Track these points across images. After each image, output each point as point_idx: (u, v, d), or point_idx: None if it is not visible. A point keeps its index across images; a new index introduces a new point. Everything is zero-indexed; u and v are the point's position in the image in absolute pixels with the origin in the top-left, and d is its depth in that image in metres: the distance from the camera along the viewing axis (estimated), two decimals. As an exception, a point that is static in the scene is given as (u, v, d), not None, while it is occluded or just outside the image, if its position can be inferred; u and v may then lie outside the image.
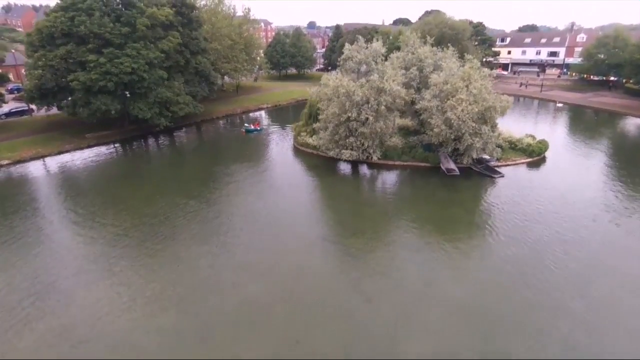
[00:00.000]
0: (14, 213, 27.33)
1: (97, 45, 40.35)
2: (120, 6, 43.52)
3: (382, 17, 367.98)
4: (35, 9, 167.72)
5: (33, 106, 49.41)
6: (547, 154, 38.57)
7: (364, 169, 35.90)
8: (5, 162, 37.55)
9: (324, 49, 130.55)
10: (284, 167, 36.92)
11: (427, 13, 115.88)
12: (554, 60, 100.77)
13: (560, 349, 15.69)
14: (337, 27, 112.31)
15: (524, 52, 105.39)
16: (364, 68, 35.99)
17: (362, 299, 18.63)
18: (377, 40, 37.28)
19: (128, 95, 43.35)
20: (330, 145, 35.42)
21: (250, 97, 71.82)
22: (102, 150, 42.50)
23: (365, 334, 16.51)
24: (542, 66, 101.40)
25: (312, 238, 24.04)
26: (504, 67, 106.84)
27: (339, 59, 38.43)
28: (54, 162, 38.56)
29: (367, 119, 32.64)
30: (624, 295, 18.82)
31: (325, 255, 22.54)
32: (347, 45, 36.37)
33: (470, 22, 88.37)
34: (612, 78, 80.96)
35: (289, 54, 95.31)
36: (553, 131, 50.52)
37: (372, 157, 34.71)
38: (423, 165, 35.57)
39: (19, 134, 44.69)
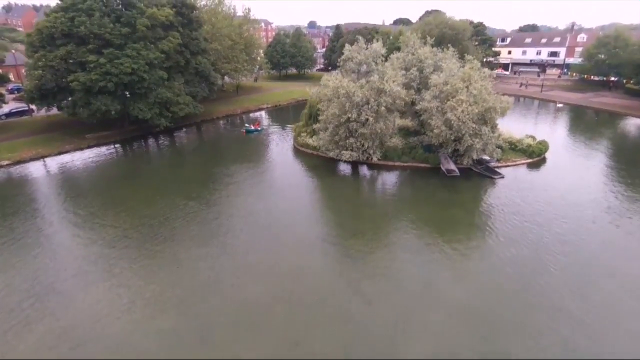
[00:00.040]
0: (14, 214, 27.34)
1: (97, 45, 40.36)
2: (120, 7, 43.52)
3: (382, 17, 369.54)
4: (35, 8, 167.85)
5: (33, 106, 49.45)
6: (547, 154, 38.54)
7: (364, 170, 35.89)
8: (6, 162, 37.58)
9: (324, 49, 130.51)
10: (284, 168, 36.91)
11: (428, 13, 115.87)
12: (554, 61, 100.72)
13: (560, 351, 15.68)
14: (338, 27, 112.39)
15: (524, 52, 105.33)
16: (364, 68, 35.98)
17: (362, 300, 18.62)
18: (377, 40, 37.26)
19: (128, 95, 43.36)
20: (330, 146, 35.40)
21: (250, 97, 71.82)
22: (102, 150, 42.52)
23: (365, 336, 16.50)
24: (542, 66, 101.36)
25: (312, 239, 24.04)
26: (505, 67, 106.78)
27: (339, 60, 38.40)
28: (54, 163, 38.57)
29: (367, 119, 32.62)
30: (624, 296, 18.80)
31: (325, 256, 22.52)
32: (347, 46, 36.33)
33: (471, 22, 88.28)
34: (612, 78, 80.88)
35: (289, 54, 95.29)
36: (553, 132, 50.49)
37: (372, 158, 34.70)
38: (423, 166, 35.55)
39: (19, 135, 44.72)
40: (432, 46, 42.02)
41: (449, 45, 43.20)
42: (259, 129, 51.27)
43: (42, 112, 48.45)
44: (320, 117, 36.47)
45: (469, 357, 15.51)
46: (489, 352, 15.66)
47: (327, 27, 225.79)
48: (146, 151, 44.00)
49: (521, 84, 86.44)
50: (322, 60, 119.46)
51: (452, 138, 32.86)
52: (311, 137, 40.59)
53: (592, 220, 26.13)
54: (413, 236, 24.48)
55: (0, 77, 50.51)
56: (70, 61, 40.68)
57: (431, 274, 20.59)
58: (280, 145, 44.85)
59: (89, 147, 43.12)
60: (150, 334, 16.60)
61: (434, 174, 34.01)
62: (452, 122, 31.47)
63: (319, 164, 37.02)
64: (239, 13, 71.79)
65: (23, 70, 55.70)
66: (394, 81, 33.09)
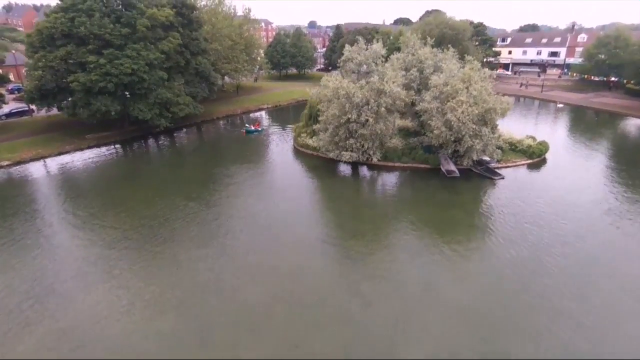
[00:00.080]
0: (14, 215, 27.34)
1: (97, 46, 40.35)
2: (120, 7, 43.50)
3: (382, 16, 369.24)
4: (36, 8, 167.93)
5: (33, 107, 49.47)
6: (547, 155, 38.51)
7: (364, 171, 35.87)
8: (6, 163, 37.59)
9: (324, 49, 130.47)
10: (284, 169, 36.90)
11: (428, 13, 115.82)
12: (554, 61, 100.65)
13: (560, 353, 15.66)
14: (338, 27, 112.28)
15: (524, 52, 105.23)
16: (364, 69, 35.94)
17: (361, 302, 18.60)
18: (378, 41, 37.22)
19: (128, 96, 43.35)
20: (330, 147, 35.38)
21: (250, 98, 71.80)
22: (102, 151, 42.53)
23: (365, 337, 16.49)
24: (542, 66, 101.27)
25: (311, 240, 24.03)
26: (505, 67, 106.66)
27: (339, 61, 38.38)
28: (54, 163, 38.56)
29: (367, 120, 32.59)
30: (624, 298, 18.77)
31: (324, 257, 22.50)
32: (347, 46, 36.29)
33: (471, 23, 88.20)
34: (612, 78, 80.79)
35: (290, 54, 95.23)
36: (554, 132, 50.45)
37: (372, 159, 34.68)
38: (423, 167, 35.53)
39: (19, 135, 44.73)
40: (432, 47, 41.98)
41: (449, 45, 43.16)
42: (259, 129, 51.25)
43: (42, 112, 48.50)
44: (320, 118, 36.45)
45: (469, 357, 15.52)
46: (488, 353, 15.65)
47: (327, 27, 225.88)
48: (146, 152, 44.00)
49: (521, 84, 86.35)
50: (322, 60, 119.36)
51: (452, 139, 32.83)
52: (311, 137, 40.58)
53: (592, 221, 26.10)
54: (413, 237, 24.47)
55: (1, 78, 50.45)
56: (70, 62, 40.68)
57: (431, 275, 20.57)
58: (280, 145, 44.83)
59: (89, 147, 43.12)
60: (150, 336, 16.59)
61: (434, 174, 33.99)
62: (452, 123, 31.44)
63: (319, 165, 37.00)
64: (239, 13, 71.87)
65: (23, 70, 55.74)
66: (394, 82, 33.06)
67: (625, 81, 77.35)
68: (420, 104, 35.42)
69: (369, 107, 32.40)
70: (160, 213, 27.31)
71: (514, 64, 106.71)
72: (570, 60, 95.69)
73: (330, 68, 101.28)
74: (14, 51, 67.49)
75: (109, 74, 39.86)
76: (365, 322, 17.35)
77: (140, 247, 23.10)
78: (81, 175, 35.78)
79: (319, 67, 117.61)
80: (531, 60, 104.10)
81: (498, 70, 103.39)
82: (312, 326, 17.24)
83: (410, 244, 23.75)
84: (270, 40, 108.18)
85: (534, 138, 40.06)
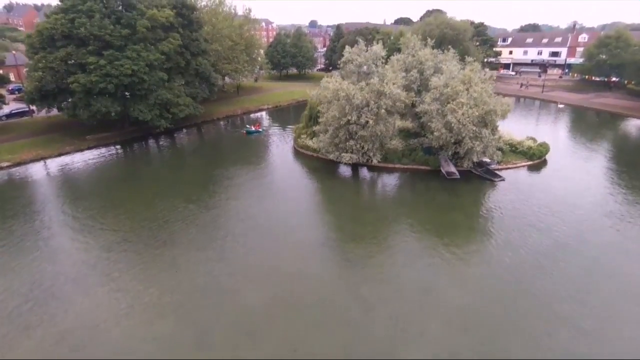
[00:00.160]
0: (13, 217, 27.34)
1: (97, 47, 40.33)
2: (120, 8, 43.46)
3: (383, 16, 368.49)
4: (36, 8, 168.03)
5: (33, 107, 49.48)
6: (548, 156, 38.44)
7: (364, 172, 35.81)
8: (6, 164, 37.57)
9: (325, 49, 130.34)
10: (284, 170, 36.85)
11: (429, 12, 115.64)
12: (555, 61, 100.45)
13: (560, 356, 15.63)
14: (338, 27, 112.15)
15: (525, 52, 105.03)
16: (364, 69, 35.84)
17: (361, 305, 18.58)
18: (378, 42, 37.16)
19: (128, 96, 43.32)
20: (330, 148, 35.34)
21: (250, 98, 71.75)
22: (103, 152, 42.51)
23: (365, 341, 16.47)
24: (543, 66, 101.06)
25: (311, 243, 24.00)
26: (506, 67, 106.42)
27: (339, 62, 38.32)
28: (54, 164, 38.56)
29: (367, 122, 32.54)
30: (624, 302, 18.72)
31: (324, 261, 22.47)
32: (347, 48, 36.20)
33: (472, 23, 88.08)
34: (613, 79, 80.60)
35: (290, 54, 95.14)
36: (554, 133, 50.32)
37: (372, 160, 34.64)
38: (423, 169, 35.48)
39: (19, 136, 44.74)
40: (433, 48, 41.90)
41: (450, 47, 43.12)
42: (260, 130, 51.21)
43: (43, 113, 48.49)
44: (320, 119, 36.41)
45: (469, 356, 15.53)
46: (488, 356, 15.63)
47: (328, 26, 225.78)
48: (146, 152, 44.00)
49: (521, 85, 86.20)
50: (322, 60, 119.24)
51: (452, 141, 32.81)
52: (311, 138, 40.54)
53: (593, 223, 26.05)
54: (413, 240, 24.44)
55: (1, 78, 50.44)
56: (71, 63, 40.71)
57: (431, 278, 20.53)
58: (280, 146, 44.79)
59: (89, 148, 43.11)
60: (149, 340, 16.58)
61: (434, 176, 33.93)
62: (453, 124, 31.40)
63: (319, 166, 36.97)
64: (240, 13, 71.76)
65: (24, 71, 55.71)
66: (394, 83, 33.01)
67: (626, 81, 77.19)
68: (421, 105, 35.37)
69: (369, 109, 32.36)
70: (160, 215, 27.30)
71: (515, 64, 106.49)
72: (572, 61, 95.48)
73: (330, 68, 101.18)
74: (14, 52, 67.44)
75: (109, 75, 39.84)
76: (365, 325, 17.33)
77: (139, 250, 23.09)
78: (81, 177, 35.79)
79: (319, 67, 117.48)
80: (532, 61, 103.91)
81: (501, 71, 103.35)
82: (312, 329, 17.23)
83: (410, 246, 23.71)
84: (271, 40, 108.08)
85: (534, 139, 40.01)
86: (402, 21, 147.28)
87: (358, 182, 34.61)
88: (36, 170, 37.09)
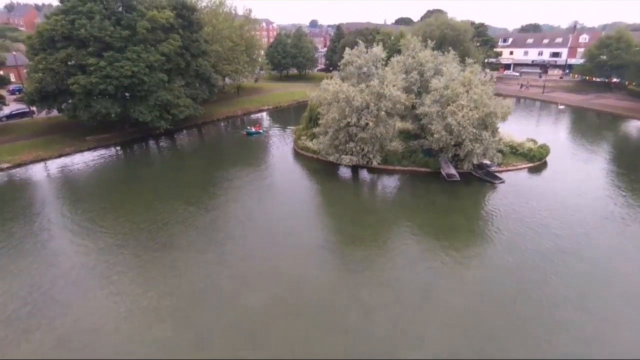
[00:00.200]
0: (13, 218, 27.33)
1: (97, 48, 40.32)
2: (120, 9, 43.45)
3: (384, 16, 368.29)
4: (37, 8, 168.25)
5: (33, 108, 49.46)
6: (548, 158, 38.37)
7: (364, 174, 35.78)
8: (6, 165, 37.58)
9: (325, 49, 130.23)
10: (284, 172, 36.80)
11: (429, 13, 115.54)
12: (556, 61, 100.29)
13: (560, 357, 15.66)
14: (339, 27, 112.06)
15: (526, 53, 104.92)
16: (364, 71, 35.77)
17: (361, 309, 18.54)
18: (378, 43, 37.12)
19: (128, 97, 43.29)
20: (330, 150, 35.30)
21: (251, 99, 71.72)
22: (103, 153, 42.51)
23: (364, 345, 16.45)
24: (544, 67, 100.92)
25: (311, 246, 23.96)
26: (507, 67, 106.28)
27: (339, 64, 38.29)
28: (54, 166, 38.56)
29: (367, 124, 32.50)
30: (624, 306, 18.68)
31: (323, 264, 22.44)
32: (347, 49, 36.15)
33: (472, 23, 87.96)
34: (614, 80, 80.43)
35: (290, 55, 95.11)
36: (555, 134, 50.25)
37: (372, 162, 34.58)
38: (423, 171, 35.42)
39: (19, 137, 44.75)
40: (433, 49, 41.85)
41: (450, 48, 43.05)
42: (260, 131, 51.17)
43: (43, 114, 48.48)
44: (320, 121, 36.37)
45: (469, 356, 15.53)
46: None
47: (328, 26, 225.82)
48: (146, 154, 43.99)
49: (522, 85, 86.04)
50: (323, 61, 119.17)
51: (453, 143, 32.74)
52: (311, 140, 40.51)
53: (593, 226, 26.00)
54: (413, 243, 24.40)
55: (1, 79, 50.40)
56: (71, 64, 40.74)
57: (430, 283, 20.48)
58: (280, 148, 44.76)
59: (89, 149, 43.10)
60: (147, 344, 16.56)
61: (434, 178, 33.88)
62: (453, 127, 31.34)
63: (319, 168, 36.93)
64: (240, 14, 71.69)
65: (24, 71, 55.65)
66: (394, 85, 32.96)
67: (626, 82, 77.05)
68: (421, 107, 35.31)
69: (369, 111, 32.31)
70: (160, 217, 27.28)
71: (515, 65, 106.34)
72: (572, 61, 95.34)
73: (331, 69, 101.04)
74: (14, 52, 67.48)
75: (109, 76, 39.82)
76: (365, 328, 17.30)
77: (138, 253, 23.07)
78: (81, 178, 35.79)
79: (319, 67, 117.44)
80: (532, 61, 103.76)
81: (504, 72, 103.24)
82: (311, 332, 17.22)
83: (410, 249, 23.67)
84: (272, 40, 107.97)
85: (534, 141, 39.94)
86: (403, 21, 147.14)
87: (358, 184, 34.58)
88: (36, 172, 37.11)
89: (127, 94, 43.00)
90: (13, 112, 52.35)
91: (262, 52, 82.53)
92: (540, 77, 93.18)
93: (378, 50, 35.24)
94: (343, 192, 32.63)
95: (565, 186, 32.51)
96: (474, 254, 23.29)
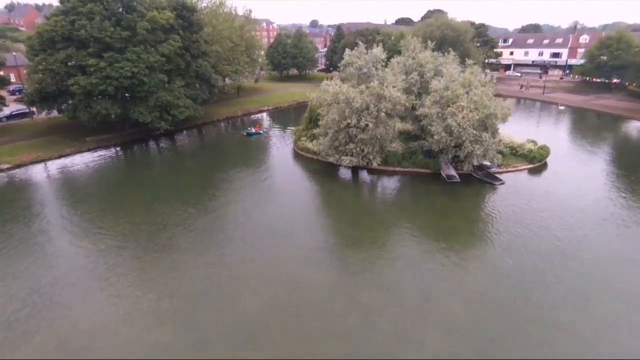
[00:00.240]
0: (13, 220, 27.33)
1: (97, 49, 40.31)
2: (120, 10, 43.43)
3: (384, 16, 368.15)
4: (38, 8, 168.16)
5: (34, 109, 49.46)
6: (548, 159, 38.34)
7: (364, 175, 35.77)
8: (6, 166, 37.58)
9: (326, 49, 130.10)
10: (284, 173, 36.77)
11: (429, 13, 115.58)
12: (556, 62, 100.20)
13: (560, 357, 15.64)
14: (339, 27, 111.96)
15: (526, 53, 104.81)
16: (364, 72, 35.74)
17: (360, 311, 18.54)
18: (378, 44, 37.10)
19: (128, 98, 43.28)
20: (330, 151, 35.28)
21: (251, 99, 71.70)
22: (103, 153, 42.49)
23: (364, 346, 16.46)
24: (544, 67, 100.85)
25: (310, 248, 23.94)
26: (507, 67, 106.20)
27: (339, 65, 38.27)
28: (54, 167, 38.56)
29: (367, 125, 32.48)
30: (623, 309, 18.65)
31: (323, 266, 22.40)
32: (347, 50, 36.12)
33: (472, 24, 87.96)
34: (614, 80, 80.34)
35: (290, 55, 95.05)
36: (555, 135, 50.15)
37: (372, 164, 34.56)
38: (423, 172, 35.39)
39: (19, 137, 44.74)
40: (433, 50, 41.83)
41: (450, 49, 43.02)
42: (260, 132, 51.16)
43: (43, 114, 48.48)
44: (320, 122, 36.36)
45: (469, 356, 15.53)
46: (486, 366, 15.62)
47: (329, 26, 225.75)
48: (146, 154, 43.97)
49: (522, 86, 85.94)
50: (323, 61, 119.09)
51: (453, 144, 32.71)
52: (311, 141, 40.49)
53: (593, 228, 25.97)
54: (412, 245, 24.36)
55: (1, 80, 50.39)
56: (71, 65, 40.73)
57: (430, 285, 20.46)
58: (280, 149, 44.74)
59: (89, 150, 43.08)
60: (147, 346, 16.56)
61: (434, 179, 33.86)
62: (453, 128, 31.31)
63: (319, 169, 36.92)
64: (240, 14, 71.63)
65: (24, 71, 55.62)
66: (394, 87, 32.94)
67: (627, 83, 76.96)
68: (421, 108, 35.28)
69: (369, 112, 32.29)
70: (159, 219, 27.27)
71: (516, 65, 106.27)
72: (573, 62, 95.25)
73: (331, 69, 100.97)
74: (14, 53, 67.48)
75: (109, 77, 39.82)
76: (365, 330, 17.30)
77: (138, 254, 23.07)
78: (81, 179, 35.79)
79: (320, 67, 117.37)
80: (533, 61, 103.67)
81: (505, 73, 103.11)
82: (311, 335, 17.23)
83: (410, 252, 23.64)
84: (272, 40, 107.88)
85: (535, 142, 39.91)
86: (403, 21, 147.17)
87: (358, 186, 34.56)
88: (36, 172, 37.11)
89: (127, 94, 43.01)
90: (13, 113, 52.32)
91: (262, 53, 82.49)
92: (541, 77, 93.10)
93: (378, 51, 35.21)
94: (343, 194, 32.61)
95: (565, 187, 32.49)
96: (474, 256, 23.28)
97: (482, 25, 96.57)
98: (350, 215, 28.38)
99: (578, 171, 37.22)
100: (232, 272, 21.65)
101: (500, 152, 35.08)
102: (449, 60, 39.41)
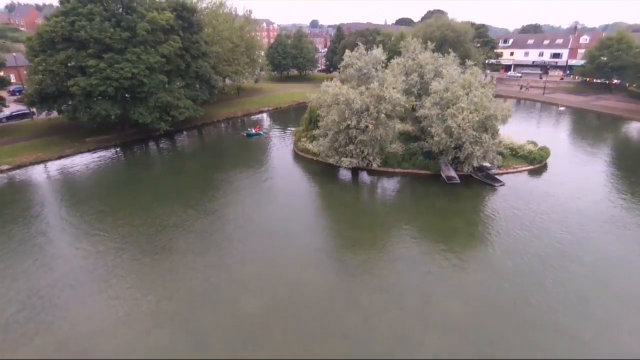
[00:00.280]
0: (12, 221, 27.31)
1: (97, 50, 40.29)
2: (120, 11, 43.42)
3: (384, 16, 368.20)
4: (38, 8, 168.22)
5: (34, 109, 49.45)
6: (548, 161, 38.30)
7: (364, 177, 35.74)
8: (6, 167, 37.56)
9: (326, 49, 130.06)
10: (283, 174, 36.73)
11: (430, 13, 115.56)
12: (556, 62, 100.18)
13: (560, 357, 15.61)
14: (339, 27, 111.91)
15: (526, 54, 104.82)
16: (364, 72, 35.73)
17: (360, 313, 18.51)
18: (378, 45, 37.06)
19: (128, 99, 43.28)
20: (330, 153, 35.25)
21: (251, 100, 71.67)
22: (102, 154, 42.46)
23: (364, 348, 16.43)
24: (544, 68, 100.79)
25: (310, 250, 23.91)
26: (507, 68, 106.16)
27: (339, 66, 38.25)
28: (54, 167, 38.55)
29: (366, 126, 32.45)
30: (623, 311, 18.62)
31: (322, 268, 22.38)
32: (347, 52, 36.10)
33: (473, 24, 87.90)
34: (614, 81, 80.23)
35: (291, 55, 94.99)
36: (555, 136, 50.10)
37: (372, 165, 34.53)
38: (423, 173, 35.36)
39: (19, 138, 44.73)
40: (433, 51, 41.80)
41: (450, 50, 42.99)
42: (260, 132, 51.14)
43: (43, 115, 48.49)
44: (320, 124, 36.33)
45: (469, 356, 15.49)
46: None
47: (329, 26, 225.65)
48: (146, 155, 43.96)
49: (522, 87, 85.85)
50: (323, 61, 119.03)
51: (453, 145, 32.67)
52: (311, 142, 40.46)
53: (593, 230, 25.93)
54: (412, 246, 24.33)
55: (1, 80, 50.37)
56: (71, 65, 40.72)
57: (430, 287, 20.42)
58: (280, 150, 44.71)
59: (89, 150, 43.05)
60: (146, 348, 16.52)
61: (434, 181, 33.82)
62: (453, 129, 31.27)
63: (319, 170, 36.89)
64: (240, 14, 71.60)
65: (24, 71, 55.61)
66: (394, 88, 32.91)
67: (627, 84, 76.86)
68: (421, 110, 35.25)
69: (369, 113, 32.26)
70: (159, 220, 27.24)
71: (516, 66, 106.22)
72: (573, 62, 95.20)
73: (331, 69, 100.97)
74: (14, 53, 67.45)
75: (109, 78, 39.81)
76: (364, 333, 17.27)
77: (137, 256, 23.04)
78: (81, 180, 35.76)
79: (320, 68, 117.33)
80: (533, 62, 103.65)
81: (504, 73, 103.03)
82: (310, 337, 17.20)
83: (410, 253, 23.60)
84: (272, 40, 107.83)
85: (535, 143, 39.87)
86: (403, 21, 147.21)
87: (358, 187, 34.54)
88: (36, 173, 37.10)
89: (127, 95, 43.02)
90: (13, 114, 52.31)
91: (263, 53, 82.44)
92: (541, 78, 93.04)
93: (378, 52, 35.21)
94: (343, 195, 32.59)
95: (565, 189, 32.45)
96: (474, 257, 23.25)
97: (483, 26, 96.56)
98: (350, 217, 28.35)
99: (578, 172, 37.17)
100: (232, 273, 21.63)
101: (500, 154, 35.02)
102: (449, 61, 39.40)
